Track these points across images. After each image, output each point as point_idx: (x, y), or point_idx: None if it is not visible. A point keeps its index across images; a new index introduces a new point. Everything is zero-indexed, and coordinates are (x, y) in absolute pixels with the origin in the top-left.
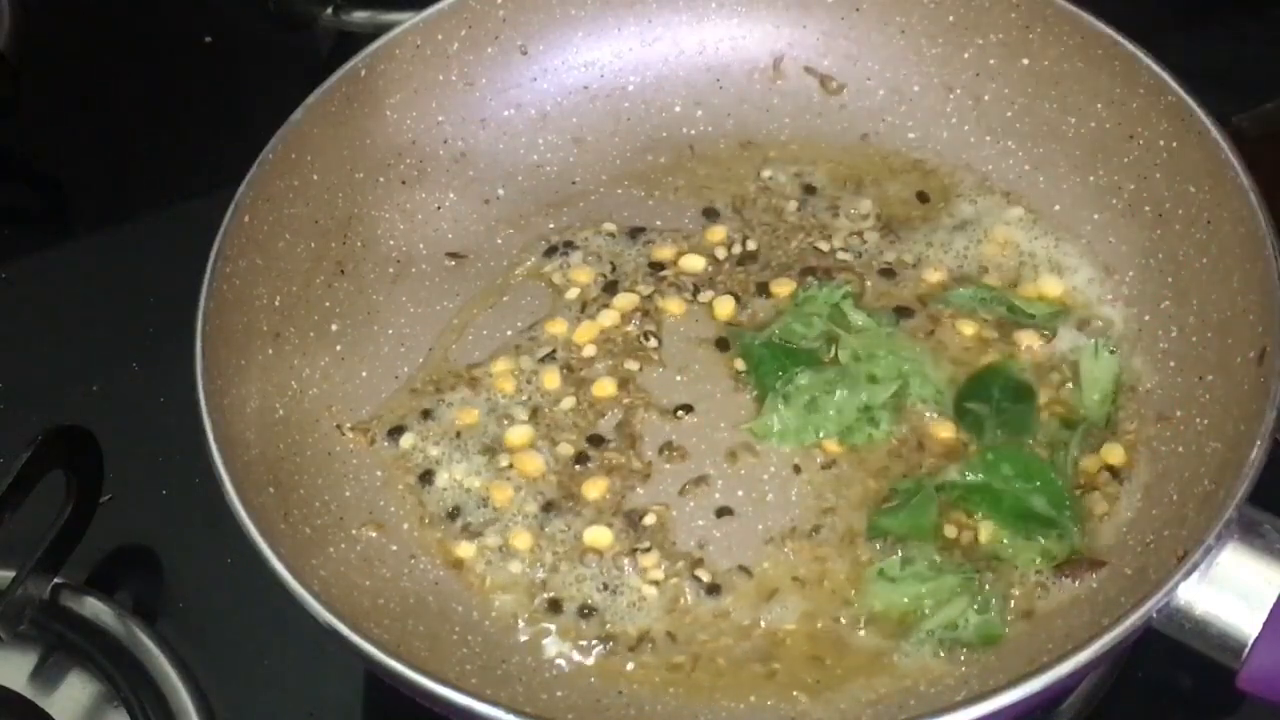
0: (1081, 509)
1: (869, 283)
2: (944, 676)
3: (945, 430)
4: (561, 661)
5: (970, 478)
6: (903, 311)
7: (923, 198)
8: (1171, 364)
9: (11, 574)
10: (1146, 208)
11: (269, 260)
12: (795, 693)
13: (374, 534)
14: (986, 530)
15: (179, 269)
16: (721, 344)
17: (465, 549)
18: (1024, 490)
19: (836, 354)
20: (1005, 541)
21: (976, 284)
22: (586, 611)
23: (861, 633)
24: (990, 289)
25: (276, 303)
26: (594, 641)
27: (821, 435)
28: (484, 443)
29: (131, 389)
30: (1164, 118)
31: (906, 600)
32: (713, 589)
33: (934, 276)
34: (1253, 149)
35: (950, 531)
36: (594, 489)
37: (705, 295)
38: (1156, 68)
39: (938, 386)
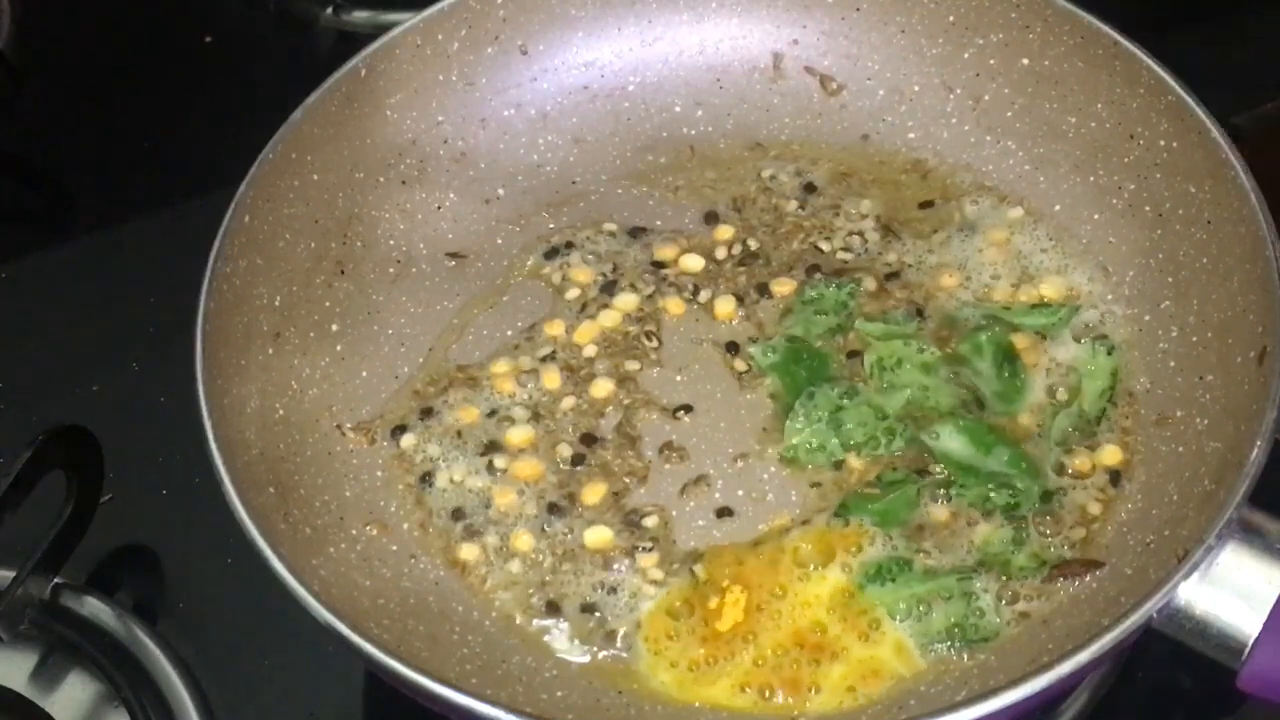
0: (1038, 468)
1: (874, 285)
2: (944, 676)
3: (956, 444)
4: (562, 661)
5: (945, 444)
6: (919, 315)
7: (926, 205)
8: (1171, 364)
9: (11, 574)
10: (1146, 208)
11: (269, 260)
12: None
13: (374, 534)
14: (981, 532)
15: (179, 269)
16: (731, 347)
17: (465, 549)
18: (982, 458)
19: (862, 361)
20: (1000, 543)
21: (976, 303)
22: (587, 611)
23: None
24: (991, 307)
25: (276, 303)
26: (594, 641)
27: (846, 449)
28: (484, 443)
29: (131, 389)
30: (1164, 118)
31: (903, 601)
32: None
33: (936, 278)
34: (1253, 149)
35: (942, 531)
36: (594, 489)
37: (705, 295)
38: (1156, 68)
39: (954, 399)
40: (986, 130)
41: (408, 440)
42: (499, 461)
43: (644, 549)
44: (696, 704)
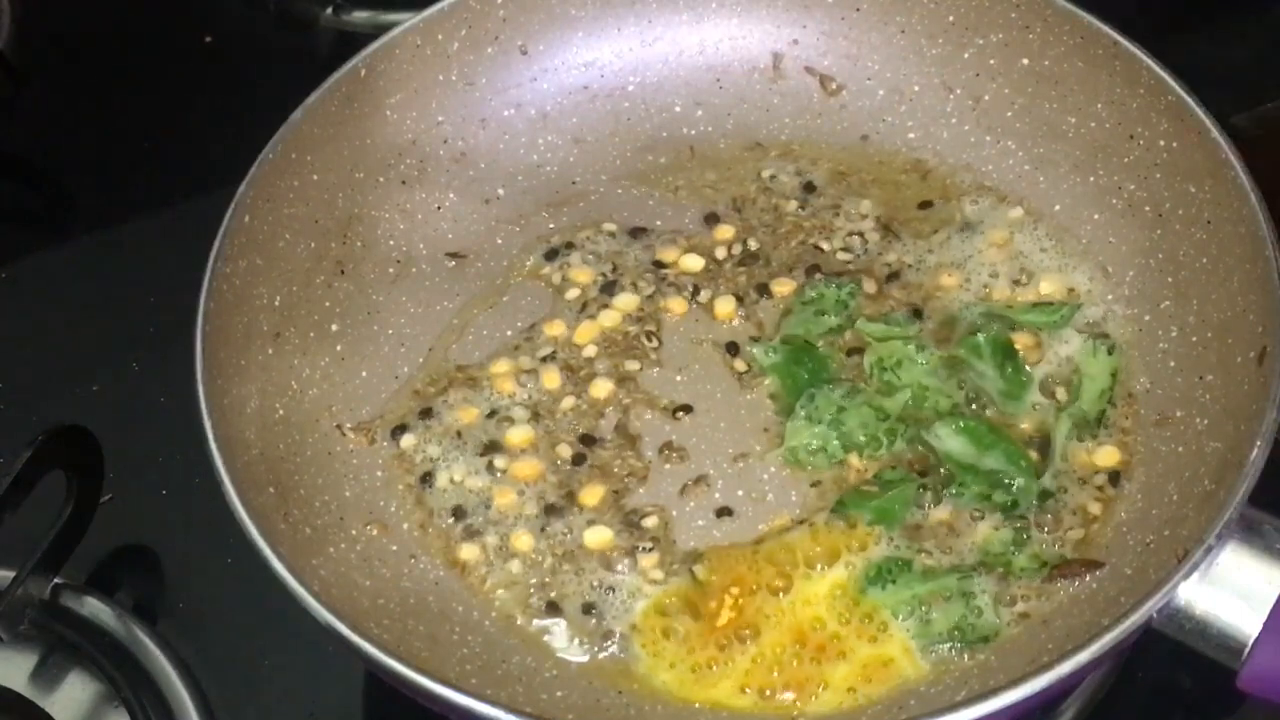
0: (1038, 469)
1: (874, 285)
2: (944, 676)
3: (956, 443)
4: (562, 661)
5: (945, 444)
6: (918, 314)
7: (925, 205)
8: (1171, 364)
9: (11, 574)
10: (1146, 208)
11: (269, 260)
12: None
13: (374, 534)
14: (981, 532)
15: (179, 269)
16: (731, 348)
17: (465, 549)
18: (981, 456)
19: (862, 361)
20: (1000, 543)
21: (976, 303)
22: (587, 611)
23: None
24: (991, 307)
25: (276, 303)
26: (594, 641)
27: (847, 450)
28: (484, 443)
29: (131, 389)
30: (1164, 118)
31: (904, 601)
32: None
33: (936, 278)
34: (1253, 149)
35: (942, 531)
36: (594, 489)
37: (705, 295)
38: (1156, 68)
39: (954, 399)
40: (986, 130)
41: (408, 440)
42: (499, 461)
43: (644, 549)
44: (697, 704)
